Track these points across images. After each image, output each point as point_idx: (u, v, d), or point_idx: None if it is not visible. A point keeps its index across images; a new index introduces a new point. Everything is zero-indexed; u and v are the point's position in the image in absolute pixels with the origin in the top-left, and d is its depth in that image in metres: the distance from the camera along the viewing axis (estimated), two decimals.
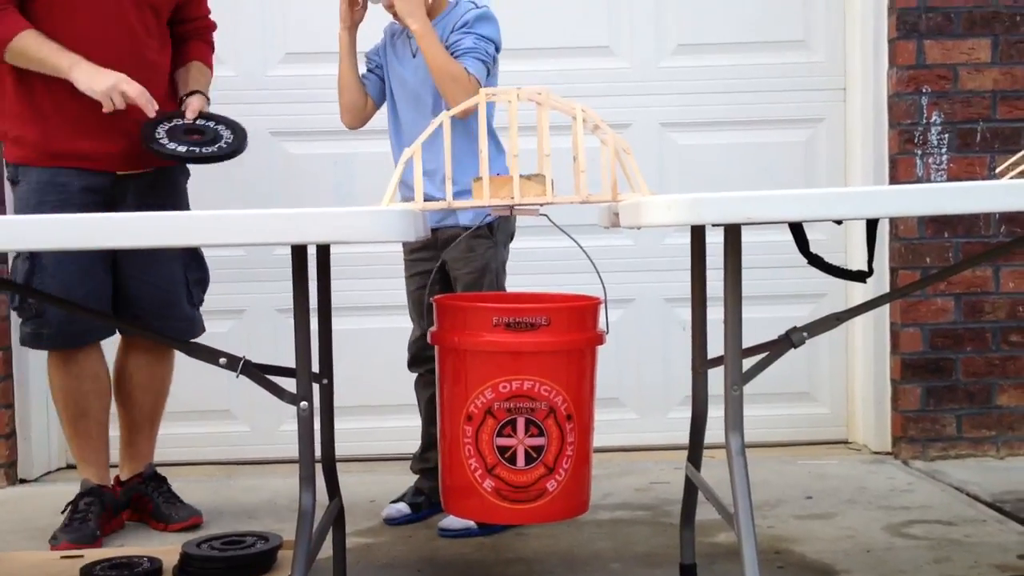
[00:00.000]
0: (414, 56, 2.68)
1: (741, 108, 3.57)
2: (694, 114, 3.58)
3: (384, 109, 2.82)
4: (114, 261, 2.70)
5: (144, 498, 2.80)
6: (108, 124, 2.56)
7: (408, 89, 2.72)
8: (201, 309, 2.86)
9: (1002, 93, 3.38)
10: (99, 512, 2.69)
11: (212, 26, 2.92)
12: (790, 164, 3.59)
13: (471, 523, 2.61)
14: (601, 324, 2.21)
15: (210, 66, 2.88)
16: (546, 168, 2.05)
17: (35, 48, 2.49)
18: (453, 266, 2.71)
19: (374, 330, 3.53)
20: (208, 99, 2.79)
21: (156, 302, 2.71)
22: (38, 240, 1.70)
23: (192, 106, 2.67)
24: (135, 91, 2.50)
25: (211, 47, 2.92)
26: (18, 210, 2.63)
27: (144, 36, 2.64)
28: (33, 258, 2.58)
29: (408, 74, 2.72)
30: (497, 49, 2.69)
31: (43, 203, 2.53)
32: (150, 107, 2.52)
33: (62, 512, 2.71)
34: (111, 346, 2.82)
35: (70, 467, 3.48)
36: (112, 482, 2.82)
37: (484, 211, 2.69)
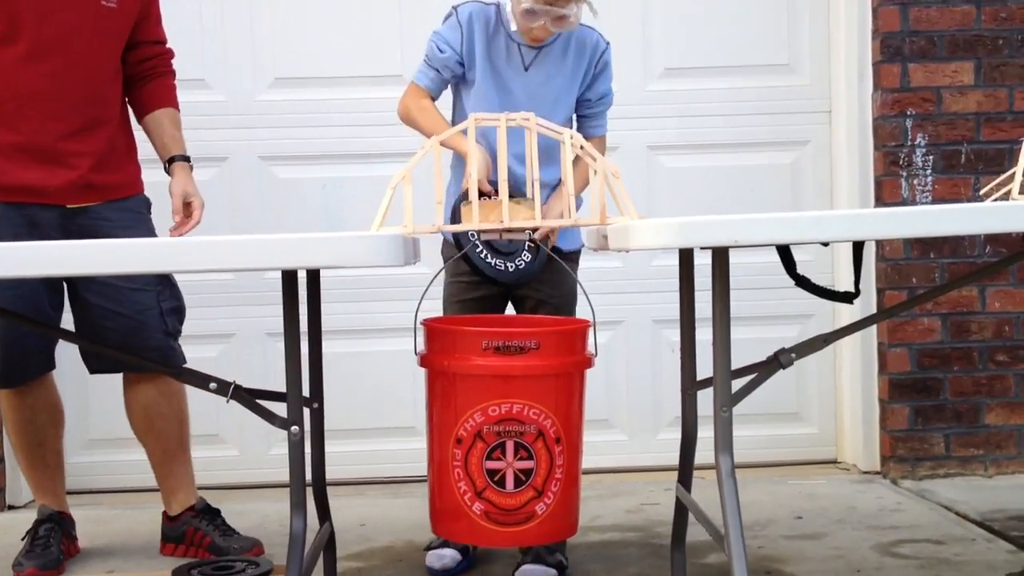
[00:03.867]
0: (526, 69, 2.53)
1: (728, 131, 3.60)
2: (681, 137, 3.61)
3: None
4: (74, 295, 2.62)
5: (199, 532, 2.73)
6: (52, 157, 2.52)
7: (512, 101, 2.50)
8: (191, 333, 2.82)
9: (986, 115, 3.41)
10: (59, 538, 2.69)
11: (171, 54, 2.77)
12: (777, 186, 3.61)
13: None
14: (590, 347, 2.22)
15: (178, 107, 2.75)
16: (535, 192, 2.06)
17: None
18: (539, 288, 2.57)
19: (363, 353, 3.53)
20: (191, 165, 2.69)
21: (125, 332, 2.61)
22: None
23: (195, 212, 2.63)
24: None
25: (174, 79, 2.77)
26: None
27: (99, 69, 2.57)
28: None
29: (517, 88, 2.53)
30: None
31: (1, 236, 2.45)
32: None
33: (22, 539, 2.71)
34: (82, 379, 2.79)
35: None
36: (164, 518, 2.79)
37: (579, 234, 2.59)
